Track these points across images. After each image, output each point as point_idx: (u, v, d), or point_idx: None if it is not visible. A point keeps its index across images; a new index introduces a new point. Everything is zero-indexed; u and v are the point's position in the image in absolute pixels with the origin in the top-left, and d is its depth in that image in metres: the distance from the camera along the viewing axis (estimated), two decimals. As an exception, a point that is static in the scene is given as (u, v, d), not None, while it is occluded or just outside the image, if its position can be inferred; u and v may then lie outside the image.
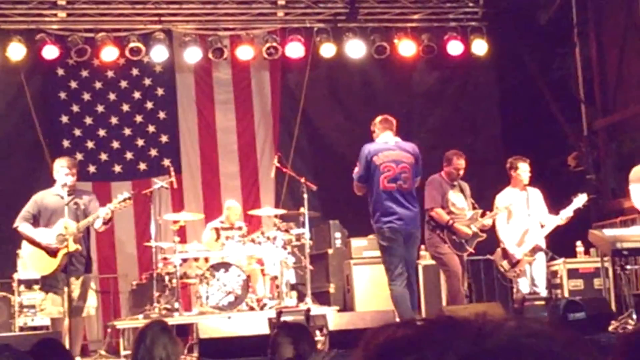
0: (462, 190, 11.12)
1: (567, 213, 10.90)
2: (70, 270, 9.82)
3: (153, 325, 5.97)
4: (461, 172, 11.04)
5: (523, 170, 11.11)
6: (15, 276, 11.50)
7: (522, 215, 11.00)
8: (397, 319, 9.67)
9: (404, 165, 10.20)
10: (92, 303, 10.13)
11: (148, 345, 5.62)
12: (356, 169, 10.34)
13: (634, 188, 10.40)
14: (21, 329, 11.39)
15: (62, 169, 10.11)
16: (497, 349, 1.16)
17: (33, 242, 9.96)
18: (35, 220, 10.02)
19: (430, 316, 1.29)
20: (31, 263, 10.17)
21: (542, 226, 11.03)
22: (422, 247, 12.33)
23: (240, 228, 12.41)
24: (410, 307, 9.98)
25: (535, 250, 10.98)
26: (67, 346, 9.59)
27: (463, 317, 1.22)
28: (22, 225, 10.00)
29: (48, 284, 10.03)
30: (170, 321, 10.78)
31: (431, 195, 10.96)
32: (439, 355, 1.16)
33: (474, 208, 11.05)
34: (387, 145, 10.29)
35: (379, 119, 10.62)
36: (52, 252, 9.84)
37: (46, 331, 10.44)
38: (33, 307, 11.59)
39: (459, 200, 11.02)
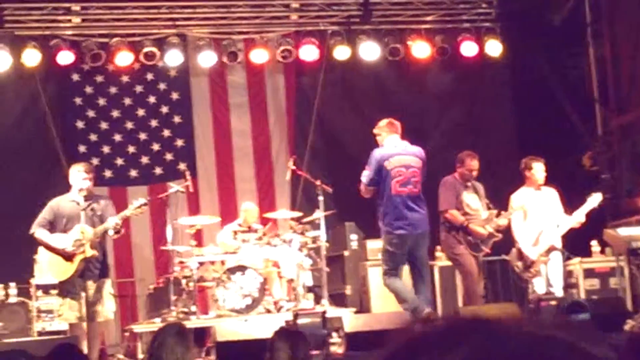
0: (476, 191, 11.14)
1: (579, 216, 10.90)
2: (87, 275, 9.87)
3: (167, 328, 6.00)
4: (474, 173, 11.07)
5: (538, 170, 11.11)
6: (33, 281, 11.57)
7: (538, 216, 11.00)
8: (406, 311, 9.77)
9: (413, 170, 10.32)
10: (110, 307, 10.16)
11: (156, 348, 5.65)
12: (365, 172, 10.40)
13: None
14: (39, 333, 11.45)
15: (79, 174, 10.15)
16: (508, 354, 1.14)
17: (49, 248, 10.00)
18: (51, 226, 10.05)
19: (447, 315, 1.28)
20: (48, 268, 10.22)
21: (558, 226, 11.03)
22: (438, 248, 12.37)
23: (256, 230, 12.43)
24: (412, 289, 10.22)
25: (550, 250, 10.98)
26: (85, 351, 9.66)
27: (478, 318, 1.21)
28: (38, 231, 10.04)
29: (65, 289, 10.07)
30: (188, 324, 10.84)
31: (445, 196, 11.01)
32: (448, 358, 1.14)
33: (489, 208, 11.07)
34: (396, 149, 10.38)
35: (384, 122, 10.70)
36: (69, 258, 9.88)
37: (64, 336, 10.50)
38: (51, 312, 11.65)
39: (474, 201, 11.05)
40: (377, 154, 10.38)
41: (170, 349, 5.52)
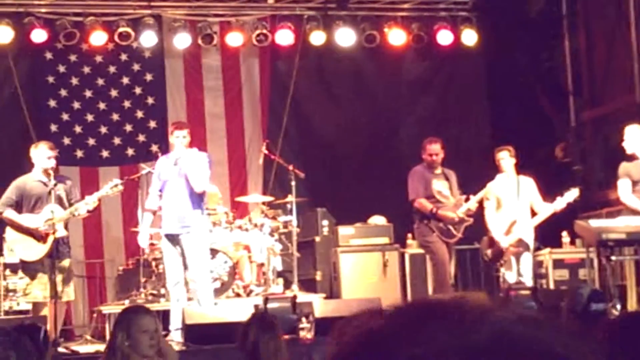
0: (447, 179, 11.18)
1: (561, 204, 10.96)
2: (55, 255, 9.81)
3: (131, 309, 5.94)
4: (436, 158, 11.11)
5: (502, 157, 11.16)
6: (1, 260, 11.47)
7: (512, 205, 11.03)
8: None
9: None
10: (73, 287, 10.14)
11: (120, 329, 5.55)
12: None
13: (621, 183, 10.52)
14: (6, 312, 11.36)
15: (45, 152, 10.05)
16: (482, 342, 1.03)
17: (19, 228, 9.91)
18: (17, 206, 9.97)
19: (403, 304, 1.13)
20: (18, 249, 10.12)
21: (535, 214, 11.07)
22: (409, 235, 12.40)
23: (226, 213, 12.37)
24: None
25: (521, 243, 11.02)
26: (51, 330, 9.62)
27: (440, 303, 1.10)
28: (6, 211, 9.95)
29: (33, 268, 10.01)
30: (156, 307, 10.84)
31: (412, 186, 11.10)
32: (413, 351, 1.03)
33: (461, 195, 11.13)
34: None
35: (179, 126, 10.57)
36: (41, 238, 9.81)
37: (30, 315, 10.43)
38: (18, 291, 11.57)
39: (444, 188, 11.10)
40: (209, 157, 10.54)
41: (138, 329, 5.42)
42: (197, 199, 10.14)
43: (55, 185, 9.88)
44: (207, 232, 10.47)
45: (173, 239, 10.04)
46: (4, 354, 3.43)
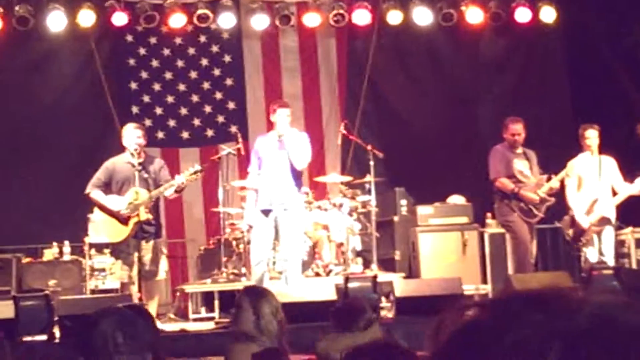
0: (528, 159, 11.10)
1: (636, 188, 10.85)
2: (141, 235, 9.96)
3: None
4: (518, 137, 11.02)
5: (589, 136, 11.05)
6: (87, 240, 11.72)
7: (593, 184, 10.95)
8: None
9: None
10: (163, 267, 10.28)
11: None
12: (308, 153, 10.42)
13: None
14: (92, 291, 11.61)
15: (134, 131, 10.19)
16: (585, 324, 1.06)
17: (104, 209, 10.09)
18: (106, 187, 10.13)
19: (497, 291, 1.16)
20: (103, 229, 10.30)
21: (616, 194, 10.99)
22: (488, 215, 12.35)
23: (307, 194, 12.44)
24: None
25: (603, 220, 10.93)
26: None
27: (538, 292, 1.13)
28: (93, 192, 10.13)
29: (119, 249, 10.20)
30: (237, 286, 10.99)
31: (493, 165, 11.05)
32: (517, 337, 1.07)
33: (541, 175, 11.05)
34: None
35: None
36: (124, 220, 9.96)
37: (116, 294, 10.64)
38: (103, 270, 11.81)
39: (525, 168, 11.03)
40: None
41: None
42: (297, 176, 10.29)
43: (142, 167, 10.01)
44: (304, 210, 10.60)
45: (269, 215, 10.17)
46: (111, 333, 3.52)
